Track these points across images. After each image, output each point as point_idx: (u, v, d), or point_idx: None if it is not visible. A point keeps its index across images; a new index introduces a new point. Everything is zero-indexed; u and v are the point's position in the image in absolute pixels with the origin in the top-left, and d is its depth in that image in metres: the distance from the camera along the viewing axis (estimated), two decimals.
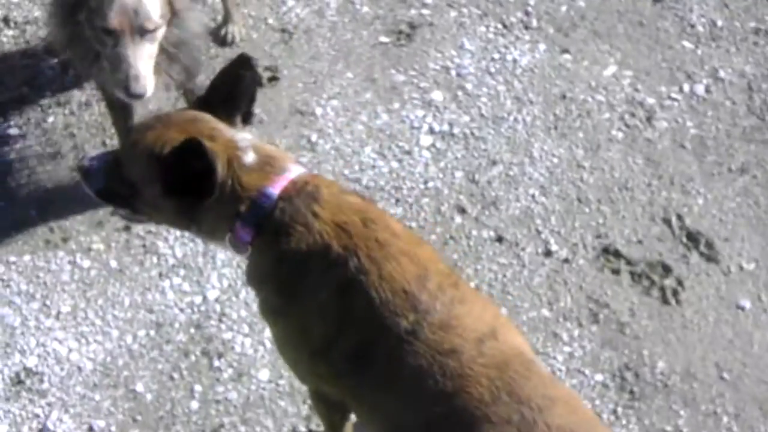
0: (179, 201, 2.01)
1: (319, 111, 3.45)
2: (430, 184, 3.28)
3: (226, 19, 3.60)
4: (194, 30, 2.79)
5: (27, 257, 3.07)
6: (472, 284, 3.05)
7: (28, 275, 3.03)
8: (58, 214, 3.16)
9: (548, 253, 3.14)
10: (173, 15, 2.68)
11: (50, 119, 3.39)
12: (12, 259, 3.07)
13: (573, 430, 1.85)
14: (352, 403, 2.11)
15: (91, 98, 3.41)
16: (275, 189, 2.00)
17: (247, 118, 2.14)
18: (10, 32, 3.60)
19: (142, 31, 2.59)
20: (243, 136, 2.08)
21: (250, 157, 2.02)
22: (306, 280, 2.00)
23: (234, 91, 2.08)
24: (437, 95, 3.50)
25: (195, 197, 1.98)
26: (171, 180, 1.97)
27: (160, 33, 2.65)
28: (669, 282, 3.07)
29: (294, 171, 2.05)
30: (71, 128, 3.37)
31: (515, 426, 1.83)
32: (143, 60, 2.61)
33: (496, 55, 3.62)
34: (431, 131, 3.41)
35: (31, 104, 3.42)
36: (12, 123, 3.37)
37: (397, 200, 3.24)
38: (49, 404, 2.80)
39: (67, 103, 3.43)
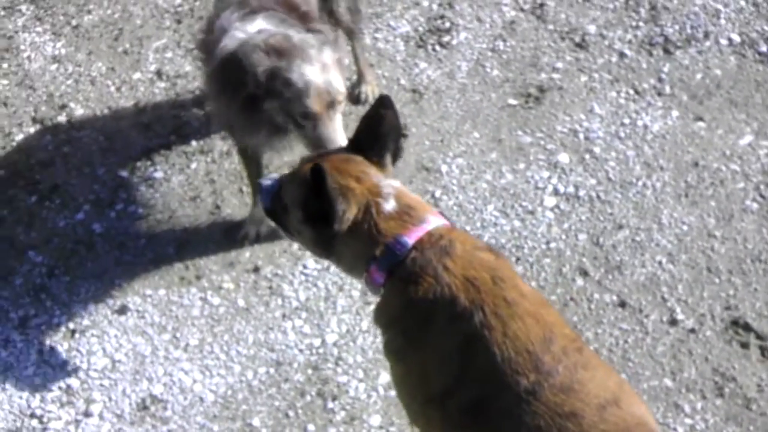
0: (315, 229, 2.12)
1: (444, 168, 3.52)
2: (552, 245, 3.26)
3: (360, 79, 3.76)
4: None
5: (162, 291, 3.25)
6: (592, 348, 2.98)
7: (161, 308, 3.20)
8: (193, 253, 3.33)
9: (673, 322, 3.04)
10: None
11: (193, 165, 3.61)
12: (148, 292, 3.25)
13: None
14: None
15: (231, 148, 3.62)
16: (410, 238, 2.07)
17: (396, 156, 2.23)
18: (162, 84, 3.89)
19: (335, 106, 2.80)
20: (389, 182, 2.17)
21: (390, 205, 2.11)
22: (431, 329, 2.03)
23: (379, 131, 2.18)
24: (564, 157, 3.50)
25: (326, 226, 2.08)
26: (308, 207, 2.09)
27: (345, 102, 2.87)
28: None
29: (432, 222, 2.11)
30: (212, 175, 3.57)
31: None
32: (340, 131, 2.82)
33: (627, 120, 3.59)
34: (556, 192, 3.41)
35: (176, 151, 3.66)
36: (158, 167, 3.61)
37: (518, 259, 3.24)
38: (170, 431, 2.91)
39: (210, 151, 3.65)
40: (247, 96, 2.81)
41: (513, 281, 2.05)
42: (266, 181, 2.33)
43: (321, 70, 2.77)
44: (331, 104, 2.79)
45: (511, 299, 2.00)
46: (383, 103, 2.17)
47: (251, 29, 2.87)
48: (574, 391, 1.89)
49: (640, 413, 1.93)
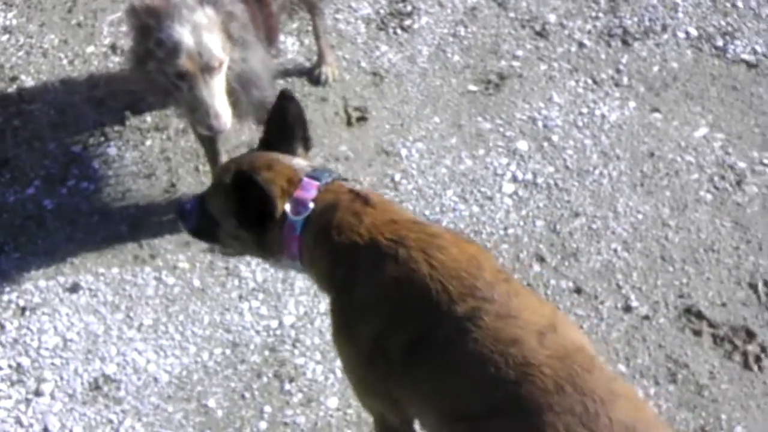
0: (253, 231, 2.13)
1: (404, 152, 3.51)
2: (510, 231, 3.29)
3: (320, 60, 3.72)
4: (256, 66, 2.92)
5: (115, 270, 3.18)
6: None
7: (114, 287, 3.14)
8: (148, 231, 3.27)
9: (628, 309, 3.09)
10: (234, 51, 2.80)
11: (148, 143, 3.54)
12: (101, 270, 3.18)
13: (635, 426, 1.80)
14: (413, 401, 2.08)
15: (188, 126, 3.55)
16: (307, 195, 2.09)
17: (306, 144, 2.27)
18: (117, 59, 3.80)
19: (210, 70, 2.73)
20: (299, 161, 2.20)
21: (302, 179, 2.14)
22: (357, 275, 2.04)
23: (284, 124, 2.23)
24: (522, 144, 3.53)
25: (262, 224, 2.09)
26: (240, 210, 2.10)
27: (225, 67, 2.78)
28: (752, 348, 2.98)
29: (323, 180, 2.13)
30: (167, 152, 3.51)
31: (578, 416, 1.80)
32: (218, 96, 2.75)
33: (585, 110, 3.63)
34: (514, 179, 3.43)
35: (130, 127, 3.58)
36: (112, 143, 3.53)
37: None
38: (123, 411, 2.86)
39: (165, 128, 3.58)
40: (137, 56, 2.77)
41: (429, 222, 2.11)
42: (186, 205, 2.32)
43: (192, 30, 2.69)
44: (206, 67, 2.71)
45: (432, 232, 2.03)
46: (284, 96, 2.20)
47: None
48: (513, 317, 1.90)
49: (578, 339, 1.96)
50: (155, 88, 2.89)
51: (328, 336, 2.99)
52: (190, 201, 2.33)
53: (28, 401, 2.89)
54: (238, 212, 2.12)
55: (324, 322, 3.04)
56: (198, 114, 2.78)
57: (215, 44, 2.73)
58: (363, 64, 3.80)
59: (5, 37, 3.86)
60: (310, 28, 3.76)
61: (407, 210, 3.32)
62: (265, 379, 2.92)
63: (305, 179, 2.12)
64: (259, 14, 3.05)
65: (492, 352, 1.87)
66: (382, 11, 3.96)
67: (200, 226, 2.28)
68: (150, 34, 2.70)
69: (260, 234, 2.14)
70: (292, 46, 3.84)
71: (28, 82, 3.72)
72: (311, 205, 2.09)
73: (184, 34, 2.68)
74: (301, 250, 2.12)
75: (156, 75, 2.78)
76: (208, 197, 2.24)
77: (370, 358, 2.04)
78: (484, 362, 1.88)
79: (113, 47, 3.83)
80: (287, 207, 2.10)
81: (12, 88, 3.70)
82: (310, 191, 2.10)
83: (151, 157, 3.49)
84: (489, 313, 1.90)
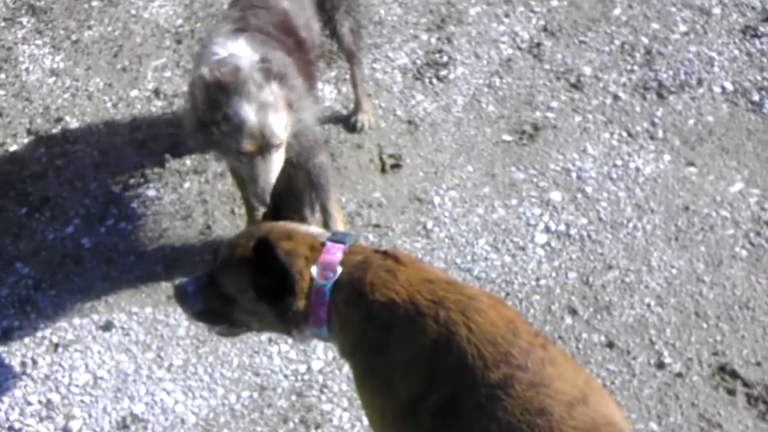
0: (273, 302, 2.10)
1: (437, 200, 3.53)
2: (542, 282, 3.27)
3: (357, 108, 3.78)
4: (308, 121, 3.03)
5: (148, 309, 3.22)
6: None
7: (147, 326, 3.17)
8: (182, 272, 3.31)
9: (661, 365, 3.04)
10: (291, 115, 2.88)
11: (186, 185, 3.61)
12: (134, 309, 3.22)
13: None
14: None
15: (225, 170, 3.62)
16: (333, 259, 2.08)
17: (313, 209, 2.30)
18: (159, 103, 3.89)
19: (270, 148, 2.82)
20: (315, 229, 2.21)
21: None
22: (392, 338, 2.03)
23: (295, 192, 2.25)
24: (556, 195, 3.53)
25: (282, 296, 2.07)
26: (260, 282, 2.07)
27: (284, 145, 2.87)
28: None
29: (342, 243, 2.13)
30: (204, 195, 3.57)
31: None
32: (272, 173, 2.81)
33: (619, 162, 3.63)
34: (547, 230, 3.43)
35: (170, 170, 3.65)
36: (151, 185, 3.60)
37: (507, 294, 3.24)
38: None
39: (204, 171, 3.65)
40: (199, 123, 2.85)
41: (463, 283, 2.08)
42: (188, 286, 2.26)
43: (258, 109, 2.76)
44: (266, 146, 2.80)
45: (470, 294, 2.02)
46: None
47: (229, 49, 2.89)
48: (544, 387, 1.89)
49: (608, 412, 1.93)
50: (213, 147, 2.96)
51: None
52: (190, 283, 2.26)
53: None
54: (258, 285, 2.08)
55: None
56: (252, 187, 2.87)
57: (278, 125, 2.81)
58: (399, 112, 3.85)
59: (52, 80, 3.98)
60: (347, 76, 3.82)
61: (439, 260, 3.33)
62: (291, 425, 2.92)
63: (329, 244, 2.12)
64: (300, 61, 3.12)
65: (519, 422, 1.87)
66: (418, 61, 4.02)
67: (209, 307, 2.23)
68: (218, 107, 2.78)
69: (282, 306, 2.10)
70: (329, 94, 3.91)
71: (73, 123, 3.82)
72: (339, 268, 2.08)
73: (250, 114, 2.76)
74: (330, 315, 2.10)
75: (218, 140, 2.86)
76: (219, 274, 2.19)
77: (402, 417, 2.03)
78: (512, 431, 1.87)
79: (156, 92, 3.93)
80: (314, 272, 2.08)
81: (57, 129, 3.80)
82: (336, 254, 2.09)
83: (189, 199, 3.55)
84: (521, 382, 1.90)
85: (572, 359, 2.05)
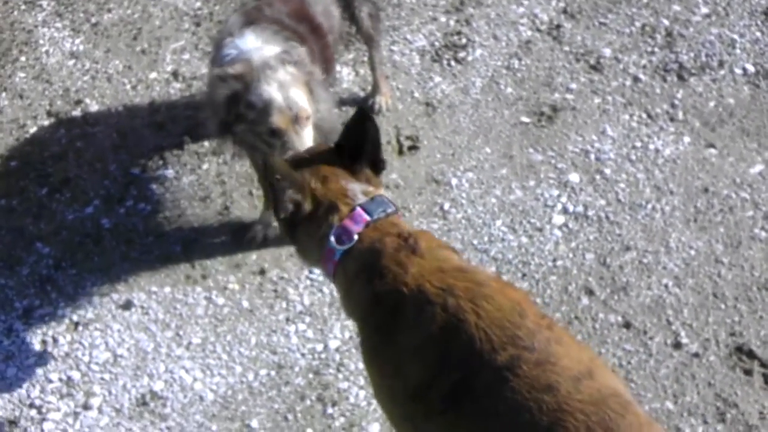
0: (281, 222, 2.25)
1: (454, 181, 3.53)
2: (559, 263, 3.27)
3: (375, 90, 3.78)
4: (325, 111, 3.05)
5: (167, 289, 3.25)
6: None
7: (166, 306, 3.20)
8: (200, 252, 3.34)
9: (678, 345, 3.03)
10: (310, 105, 2.91)
11: (204, 166, 3.63)
12: (153, 289, 3.25)
13: None
14: None
15: (243, 152, 3.63)
16: (355, 229, 2.12)
17: (377, 167, 2.28)
18: (178, 85, 3.91)
19: (299, 121, 2.84)
20: (358, 187, 2.22)
21: (353, 205, 2.17)
22: (401, 322, 2.06)
23: (359, 142, 2.24)
24: (574, 177, 3.51)
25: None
26: (275, 201, 2.18)
27: (312, 120, 2.90)
28: None
29: (376, 215, 2.15)
30: (223, 176, 3.58)
31: None
32: (309, 145, 2.83)
33: (638, 144, 3.61)
34: (565, 211, 3.42)
35: (188, 151, 3.67)
36: (170, 166, 3.63)
37: (524, 275, 3.24)
38: (168, 428, 2.90)
39: (222, 153, 3.66)
40: (222, 125, 2.89)
41: (476, 269, 2.11)
42: None
43: (279, 87, 2.81)
44: (296, 119, 2.83)
45: (478, 280, 2.05)
46: (361, 115, 2.21)
47: (239, 46, 2.94)
48: (550, 364, 1.92)
49: (613, 384, 1.96)
50: (237, 145, 3.01)
51: None
52: None
53: (76, 414, 2.95)
54: (273, 202, 2.20)
55: None
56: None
57: (302, 98, 2.85)
58: (416, 94, 3.84)
59: (71, 62, 4.01)
60: (365, 58, 3.82)
61: (456, 240, 3.32)
62: (308, 402, 2.94)
63: (358, 210, 2.15)
64: (316, 46, 3.13)
65: (527, 400, 1.90)
66: (437, 43, 4.01)
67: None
68: (239, 99, 2.82)
69: (290, 231, 2.22)
70: (347, 76, 3.91)
71: (92, 105, 3.85)
72: (355, 237, 2.12)
73: (272, 92, 2.80)
74: (336, 274, 2.16)
75: (245, 136, 2.90)
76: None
77: (412, 400, 2.06)
78: (520, 410, 1.90)
79: (175, 74, 3.95)
80: (332, 231, 2.13)
81: (77, 111, 3.83)
82: (358, 224, 2.13)
83: (207, 180, 3.57)
84: (528, 362, 1.93)
85: (576, 338, 2.06)
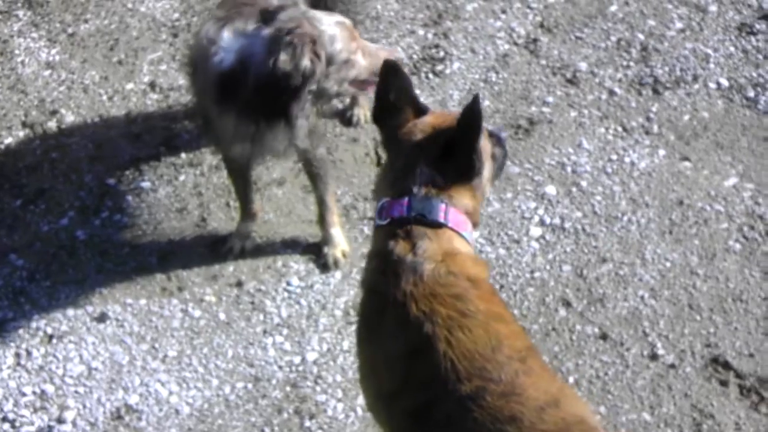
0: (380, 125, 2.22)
1: None
2: (537, 275, 3.28)
3: (353, 102, 3.78)
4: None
5: (143, 301, 3.22)
6: (571, 379, 2.99)
7: (141, 318, 3.17)
8: (176, 264, 3.31)
9: (654, 357, 3.05)
10: None
11: (181, 178, 3.61)
12: (129, 301, 3.22)
13: None
14: None
15: (221, 163, 3.62)
16: (394, 212, 2.09)
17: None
18: (155, 96, 3.89)
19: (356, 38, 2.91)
20: (428, 170, 2.13)
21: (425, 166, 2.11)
22: (382, 328, 2.07)
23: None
24: (551, 189, 3.54)
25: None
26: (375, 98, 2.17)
27: None
28: None
29: (415, 210, 2.09)
30: (200, 188, 3.57)
31: None
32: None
33: (614, 156, 3.64)
34: (542, 223, 3.43)
35: (165, 162, 3.65)
36: (146, 177, 3.60)
37: (502, 286, 3.25)
38: None
39: (199, 164, 3.65)
40: (245, 102, 2.81)
41: (475, 299, 2.03)
42: None
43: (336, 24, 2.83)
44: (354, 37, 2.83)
45: (466, 311, 2.01)
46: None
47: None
48: (516, 395, 1.91)
49: (580, 412, 1.95)
50: (249, 136, 2.91)
51: (351, 374, 2.99)
52: None
53: (50, 428, 2.91)
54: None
55: (347, 360, 3.04)
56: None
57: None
58: None
59: (47, 72, 3.98)
60: None
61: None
62: (285, 415, 2.92)
63: (404, 200, 2.08)
64: None
65: (489, 431, 1.89)
66: (415, 56, 4.03)
67: None
68: (316, 49, 2.75)
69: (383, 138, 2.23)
70: None
71: (68, 116, 3.82)
72: (383, 223, 2.10)
73: (329, 26, 2.80)
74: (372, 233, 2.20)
75: (326, 89, 2.84)
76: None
77: (385, 403, 2.08)
78: None
79: (152, 85, 3.93)
80: (378, 205, 2.13)
81: (52, 122, 3.80)
82: (393, 212, 2.09)
83: (184, 192, 3.55)
84: (492, 393, 1.92)
85: (550, 370, 2.06)
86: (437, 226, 2.08)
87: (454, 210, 2.09)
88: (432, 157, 2.11)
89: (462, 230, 2.10)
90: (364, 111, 3.77)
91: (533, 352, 2.05)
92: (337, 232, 3.30)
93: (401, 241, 2.07)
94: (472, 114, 2.08)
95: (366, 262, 2.21)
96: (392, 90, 2.14)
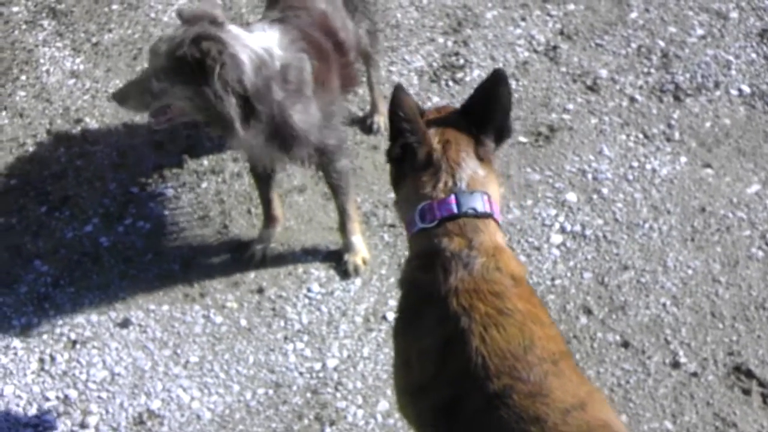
0: (391, 161, 2.21)
1: None
2: (557, 282, 3.27)
3: (373, 109, 3.80)
4: (311, 119, 2.99)
5: (165, 307, 3.25)
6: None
7: (164, 324, 3.20)
8: (198, 271, 3.34)
9: (676, 365, 3.03)
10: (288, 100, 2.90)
11: (204, 185, 3.64)
12: (151, 307, 3.25)
13: None
14: None
15: (242, 170, 3.65)
16: (437, 215, 2.09)
17: (501, 135, 2.19)
18: None
19: None
20: (473, 166, 2.14)
21: (455, 181, 2.12)
22: (420, 322, 2.08)
23: (488, 106, 2.16)
24: (571, 196, 3.53)
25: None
26: (391, 138, 2.16)
27: None
28: None
29: (467, 211, 2.09)
30: (222, 195, 3.59)
31: None
32: None
33: (635, 163, 3.63)
34: (563, 230, 3.43)
35: (187, 170, 3.68)
36: (169, 185, 3.64)
37: None
38: None
39: (221, 172, 3.68)
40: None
41: (514, 298, 2.04)
42: None
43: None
44: None
45: (504, 309, 2.02)
46: (497, 77, 2.11)
47: (261, 41, 2.89)
48: (542, 396, 1.92)
49: (605, 417, 1.94)
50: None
51: (371, 380, 3.00)
52: None
53: None
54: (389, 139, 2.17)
55: (367, 367, 3.05)
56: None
57: None
58: None
59: (72, 81, 4.03)
60: (364, 78, 3.84)
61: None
62: (306, 422, 2.93)
63: (451, 198, 2.09)
64: (336, 64, 3.11)
65: (513, 430, 1.89)
66: (435, 64, 4.04)
67: None
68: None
69: (393, 176, 2.21)
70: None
71: (92, 124, 3.87)
72: (429, 225, 2.09)
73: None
74: (409, 240, 2.19)
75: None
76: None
77: (414, 396, 2.09)
78: None
79: None
80: (419, 209, 2.10)
81: (76, 130, 3.85)
82: (440, 212, 2.09)
83: (206, 199, 3.58)
84: (520, 393, 1.92)
85: (582, 375, 2.06)
86: (486, 217, 2.10)
87: (493, 200, 2.15)
88: (464, 148, 2.14)
89: (500, 220, 2.16)
90: (384, 118, 3.79)
91: (567, 356, 2.05)
92: (357, 239, 3.32)
93: (456, 237, 2.07)
94: (496, 77, 2.10)
95: (404, 264, 2.22)
96: (403, 110, 2.13)
